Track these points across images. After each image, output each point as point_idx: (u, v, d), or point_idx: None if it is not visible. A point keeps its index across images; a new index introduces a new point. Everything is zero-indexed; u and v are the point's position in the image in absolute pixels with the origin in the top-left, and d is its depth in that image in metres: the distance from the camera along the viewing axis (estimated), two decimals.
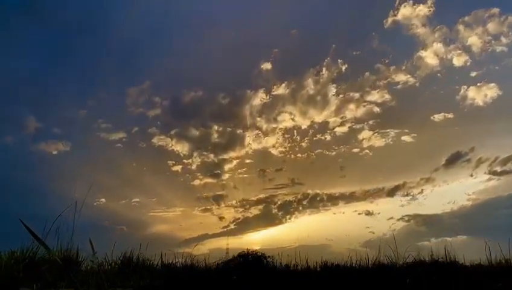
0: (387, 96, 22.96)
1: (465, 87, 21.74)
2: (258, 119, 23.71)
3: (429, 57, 22.41)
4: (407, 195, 20.54)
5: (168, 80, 25.34)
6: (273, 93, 23.68)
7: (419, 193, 20.42)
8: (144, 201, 20.95)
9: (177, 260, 6.90)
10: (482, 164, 20.36)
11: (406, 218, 18.31)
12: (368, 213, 19.80)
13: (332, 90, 23.31)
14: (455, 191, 20.55)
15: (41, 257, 5.34)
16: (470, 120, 21.96)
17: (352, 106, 23.53)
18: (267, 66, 23.56)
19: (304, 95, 23.62)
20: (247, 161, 22.95)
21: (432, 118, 22.00)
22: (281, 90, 23.64)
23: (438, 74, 22.68)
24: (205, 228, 19.41)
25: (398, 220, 18.30)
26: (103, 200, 19.00)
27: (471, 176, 20.47)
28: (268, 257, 7.35)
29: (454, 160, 20.80)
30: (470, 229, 17.01)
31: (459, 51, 21.62)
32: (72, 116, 22.39)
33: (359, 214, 19.98)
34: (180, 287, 5.43)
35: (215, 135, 23.65)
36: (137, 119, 23.91)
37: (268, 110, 23.81)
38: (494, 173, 20.07)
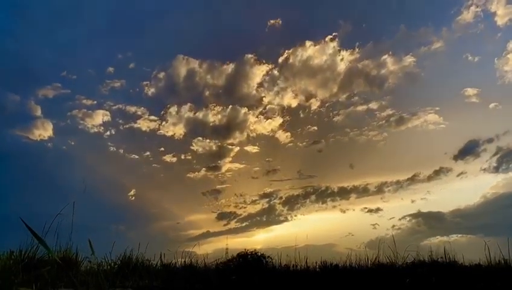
0: (410, 65, 18.67)
1: (509, 48, 17.10)
2: (263, 95, 20.15)
3: (464, 12, 17.30)
4: (418, 190, 18.46)
5: (160, 45, 20.90)
6: (279, 62, 19.92)
7: (430, 188, 18.36)
8: (139, 197, 18.82)
9: (176, 260, 6.90)
10: (496, 155, 17.59)
11: (411, 217, 16.92)
12: (377, 210, 18.29)
13: (347, 58, 19.01)
14: (469, 184, 18.37)
15: (40, 257, 5.33)
16: (509, 96, 17.82)
17: (369, 78, 19.35)
18: (273, 28, 19.58)
19: (313, 65, 19.64)
20: (250, 149, 19.95)
21: (463, 92, 17.98)
22: (287, 58, 19.74)
23: (476, 31, 17.61)
24: (205, 226, 17.87)
25: (402, 219, 16.95)
26: (96, 195, 17.05)
27: (489, 168, 17.79)
28: (268, 257, 7.35)
29: (471, 148, 17.90)
30: (479, 228, 15.45)
31: None
32: (49, 91, 19.14)
33: (368, 211, 18.37)
34: (180, 288, 5.43)
35: (214, 116, 20.24)
36: (123, 95, 20.03)
37: (274, 85, 20.10)
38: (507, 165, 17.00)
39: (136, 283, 5.57)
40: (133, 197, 18.75)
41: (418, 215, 16.85)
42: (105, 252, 6.25)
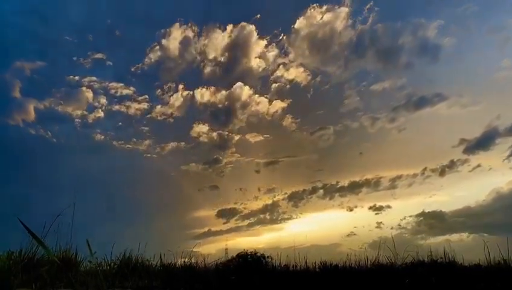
0: (433, 33, 15.14)
1: None
2: (267, 70, 17.06)
3: None
4: (432, 185, 16.86)
5: (155, 10, 17.22)
6: (285, 30, 16.67)
7: (444, 182, 16.80)
8: (134, 192, 17.15)
9: (176, 260, 6.89)
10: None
11: (416, 216, 15.75)
12: (386, 207, 17.09)
13: (359, 26, 15.98)
14: (484, 179, 16.64)
15: (39, 258, 5.34)
16: None
17: (384, 50, 16.02)
18: None
19: (321, 36, 16.88)
20: (251, 137, 17.60)
21: (498, 65, 14.39)
22: (294, 25, 16.77)
23: None
24: (206, 224, 16.79)
25: (407, 218, 15.65)
26: (89, 192, 15.18)
27: (507, 160, 15.82)
28: (268, 257, 7.34)
29: (489, 138, 15.95)
30: (485, 227, 14.63)
31: None
32: (24, 64, 16.72)
33: (375, 209, 17.09)
34: (179, 288, 5.43)
35: (213, 95, 17.32)
36: (108, 70, 16.59)
37: (280, 58, 17.19)
38: None
39: (135, 283, 5.57)
40: (128, 193, 17.25)
41: (424, 214, 15.93)
42: (104, 252, 6.27)
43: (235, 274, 6.17)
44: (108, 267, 6.20)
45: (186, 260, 6.93)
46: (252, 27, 17.26)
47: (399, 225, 15.45)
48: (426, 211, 15.61)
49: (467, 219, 15.05)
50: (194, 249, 7.20)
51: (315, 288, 5.47)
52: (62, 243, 5.75)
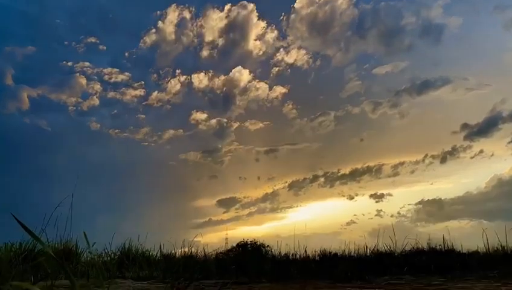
0: (438, 12, 14.77)
1: None
2: (266, 54, 16.73)
3: None
4: (435, 172, 16.20)
5: None
6: (283, 10, 16.39)
7: (446, 168, 16.16)
8: (135, 183, 16.73)
9: (176, 250, 6.94)
10: None
11: (417, 204, 15.08)
12: (387, 195, 16.42)
13: (362, 5, 15.44)
14: (486, 164, 15.91)
15: (40, 249, 5.37)
16: None
17: (387, 31, 15.56)
18: None
19: (323, 15, 16.26)
20: (251, 125, 17.18)
21: (506, 45, 14.22)
22: (295, 3, 16.25)
23: None
24: (206, 214, 16.31)
25: (407, 205, 15.01)
26: (89, 182, 14.74)
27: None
28: (268, 246, 7.38)
29: (492, 123, 15.28)
30: (486, 213, 14.34)
31: None
32: (14, 49, 15.67)
33: (376, 197, 16.41)
34: (179, 278, 5.46)
35: (211, 81, 16.89)
36: (102, 55, 16.11)
37: (280, 41, 16.79)
38: None
39: (135, 273, 5.62)
40: (126, 183, 16.81)
41: (424, 201, 15.46)
42: (104, 243, 6.31)
43: (235, 263, 6.21)
44: (108, 258, 6.25)
45: (187, 249, 6.98)
46: (252, 6, 16.46)
47: (399, 212, 15.26)
48: (426, 198, 15.38)
49: (467, 206, 14.89)
50: (195, 239, 7.22)
51: (313, 275, 5.51)
52: (62, 234, 5.78)
